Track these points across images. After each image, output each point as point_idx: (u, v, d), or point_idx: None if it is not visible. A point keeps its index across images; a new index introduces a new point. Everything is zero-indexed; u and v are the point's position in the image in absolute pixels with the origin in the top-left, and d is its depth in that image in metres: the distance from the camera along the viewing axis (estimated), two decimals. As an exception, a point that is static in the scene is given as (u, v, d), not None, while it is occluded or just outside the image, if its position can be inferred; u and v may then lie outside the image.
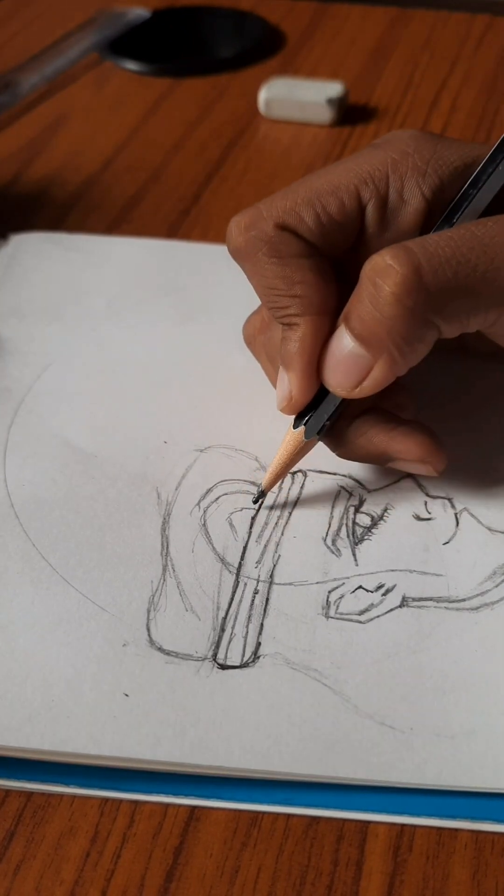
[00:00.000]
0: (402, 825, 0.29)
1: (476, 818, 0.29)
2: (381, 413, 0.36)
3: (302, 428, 0.36)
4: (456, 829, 0.29)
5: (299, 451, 0.36)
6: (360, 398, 0.34)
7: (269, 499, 0.38)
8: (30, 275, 0.49)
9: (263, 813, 0.29)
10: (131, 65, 0.69)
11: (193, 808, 0.30)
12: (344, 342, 0.34)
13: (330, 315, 0.35)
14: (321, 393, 0.35)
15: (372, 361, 0.33)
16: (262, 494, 0.37)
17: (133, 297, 0.47)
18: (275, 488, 0.38)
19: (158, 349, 0.45)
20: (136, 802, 0.30)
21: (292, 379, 0.35)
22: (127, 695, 0.31)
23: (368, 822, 0.29)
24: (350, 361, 0.34)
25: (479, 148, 0.36)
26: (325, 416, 0.35)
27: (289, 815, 0.29)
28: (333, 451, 0.37)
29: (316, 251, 0.35)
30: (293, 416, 0.36)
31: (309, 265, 0.34)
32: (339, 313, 0.34)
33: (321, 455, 0.38)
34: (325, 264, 0.35)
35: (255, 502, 0.37)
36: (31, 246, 0.51)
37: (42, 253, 0.50)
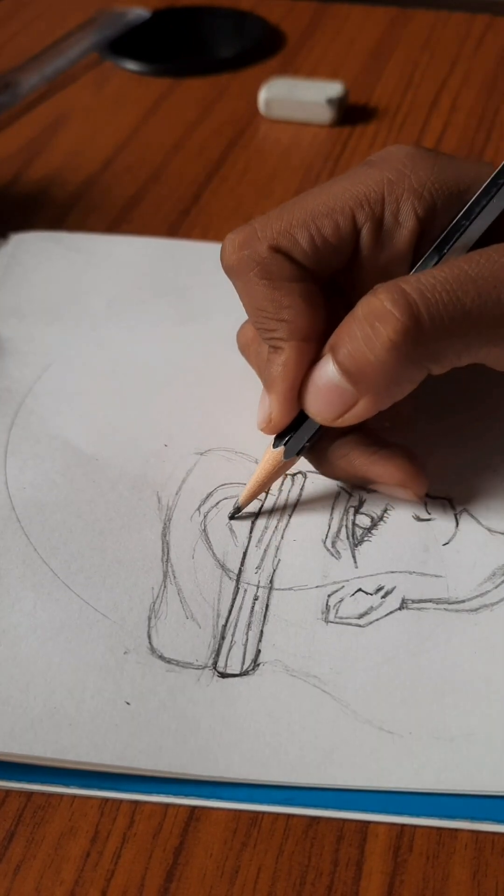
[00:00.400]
0: (402, 825, 0.29)
1: (476, 818, 0.29)
2: (363, 435, 0.36)
3: (281, 448, 0.36)
4: (456, 830, 0.29)
5: (277, 470, 0.36)
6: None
7: (270, 501, 0.38)
8: (30, 274, 0.49)
9: (263, 813, 0.29)
10: (131, 65, 0.69)
11: (193, 808, 0.30)
12: (329, 373, 0.34)
13: (316, 342, 0.35)
14: (302, 415, 0.36)
15: (357, 397, 0.33)
16: (237, 510, 0.37)
17: (133, 297, 0.47)
18: (274, 489, 0.38)
19: (159, 349, 0.45)
20: (136, 802, 0.30)
21: (273, 402, 0.35)
22: (128, 703, 0.31)
23: (368, 822, 0.29)
24: (334, 393, 0.34)
25: (475, 166, 0.36)
26: (305, 439, 0.36)
27: (289, 815, 0.29)
28: (316, 469, 0.38)
29: (307, 275, 0.35)
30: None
31: (299, 290, 0.34)
32: (325, 340, 0.34)
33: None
34: (314, 289, 0.35)
35: (231, 518, 0.37)
36: (31, 245, 0.51)
37: (42, 252, 0.50)
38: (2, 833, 0.29)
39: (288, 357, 0.35)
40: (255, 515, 0.37)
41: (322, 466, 0.37)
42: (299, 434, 0.36)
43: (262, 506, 0.37)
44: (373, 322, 0.32)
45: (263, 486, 0.37)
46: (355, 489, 0.38)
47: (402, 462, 0.36)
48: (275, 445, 0.36)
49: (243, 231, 0.35)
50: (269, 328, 0.35)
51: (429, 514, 0.37)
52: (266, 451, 0.36)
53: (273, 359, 0.35)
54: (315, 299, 0.35)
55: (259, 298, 0.35)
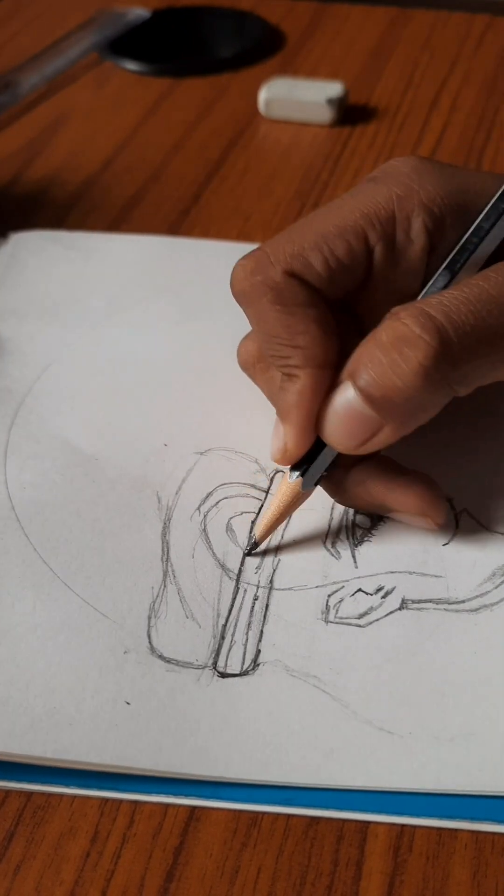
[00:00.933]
0: (402, 825, 0.29)
1: (476, 818, 0.29)
2: (380, 461, 0.35)
3: (298, 479, 0.35)
4: (456, 830, 0.29)
5: (295, 502, 0.35)
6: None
7: (270, 501, 0.38)
8: (30, 274, 0.49)
9: (263, 813, 0.29)
10: (131, 65, 0.69)
11: (193, 808, 0.30)
12: (351, 400, 0.33)
13: (331, 368, 0.34)
14: (318, 443, 0.35)
15: (381, 424, 0.32)
16: (254, 545, 0.36)
17: (133, 296, 0.47)
18: (274, 490, 0.38)
19: (159, 348, 0.45)
20: (136, 802, 0.30)
21: (288, 432, 0.34)
22: (128, 703, 0.31)
23: (368, 823, 0.29)
24: (356, 421, 0.33)
25: (479, 177, 0.36)
26: (323, 468, 0.35)
27: (289, 816, 0.29)
28: (332, 497, 0.37)
29: (321, 300, 0.34)
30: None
31: (313, 315, 0.34)
32: (340, 366, 0.34)
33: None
34: (328, 315, 0.34)
35: (247, 554, 0.36)
36: (31, 245, 0.51)
37: (42, 252, 0.50)
38: (2, 833, 0.29)
39: (304, 385, 0.34)
40: (255, 516, 0.37)
41: (338, 495, 0.36)
42: (317, 464, 0.35)
43: (262, 506, 0.37)
44: (401, 348, 0.31)
45: (281, 519, 0.36)
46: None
47: (421, 490, 0.35)
48: (291, 476, 0.35)
49: (254, 256, 0.34)
50: (284, 355, 0.34)
51: (429, 514, 0.37)
52: (281, 483, 0.35)
53: (287, 387, 0.34)
54: (329, 324, 0.34)
55: (273, 325, 0.34)
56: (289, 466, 0.35)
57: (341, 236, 0.34)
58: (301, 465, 0.35)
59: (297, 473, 0.35)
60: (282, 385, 0.34)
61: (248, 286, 0.34)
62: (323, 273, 0.34)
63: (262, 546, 0.36)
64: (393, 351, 0.31)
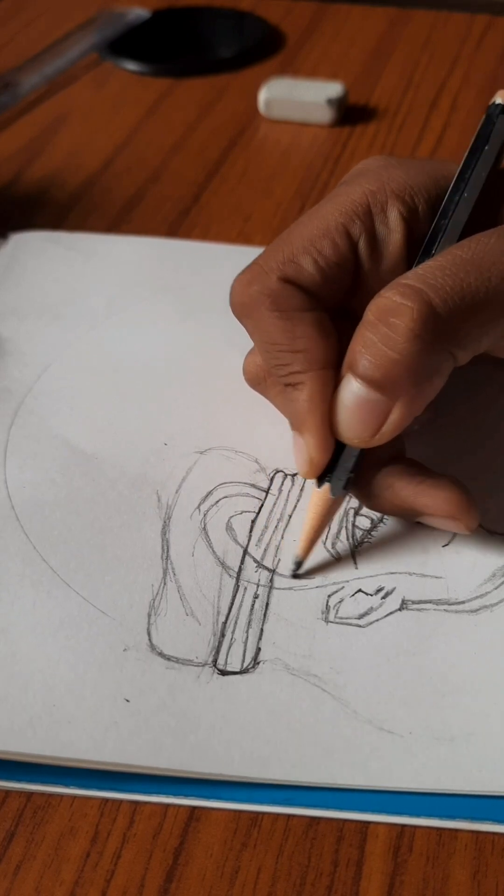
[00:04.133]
0: (402, 825, 0.29)
1: (476, 818, 0.29)
2: (408, 464, 0.35)
3: (326, 486, 0.34)
4: (456, 830, 0.29)
5: (329, 511, 0.35)
6: (381, 445, 0.34)
7: (270, 501, 0.38)
8: (30, 274, 0.49)
9: (263, 813, 0.29)
10: (131, 65, 0.69)
11: (193, 808, 0.30)
12: (355, 390, 0.33)
13: (333, 369, 0.34)
14: (338, 447, 0.34)
15: (389, 404, 0.32)
16: (298, 565, 0.35)
17: (133, 296, 0.47)
18: (274, 490, 0.38)
19: (158, 349, 0.45)
20: (136, 803, 0.30)
21: (309, 441, 0.34)
22: (128, 700, 0.31)
23: (368, 823, 0.29)
24: (365, 409, 0.33)
25: (444, 165, 0.37)
26: (348, 470, 0.34)
27: (289, 816, 0.29)
28: (364, 504, 0.36)
29: (317, 304, 0.34)
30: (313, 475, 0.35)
31: (310, 319, 0.34)
32: (339, 368, 0.34)
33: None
34: (325, 318, 0.35)
35: (293, 576, 0.35)
36: (31, 245, 0.51)
37: (42, 252, 0.50)
38: (2, 833, 0.29)
39: (311, 389, 0.34)
40: (255, 515, 0.37)
41: (368, 500, 0.36)
42: (341, 466, 0.34)
43: (262, 505, 0.37)
44: (387, 320, 0.31)
45: (319, 532, 0.35)
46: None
47: (450, 493, 0.34)
48: (319, 485, 0.35)
49: (249, 271, 0.35)
50: (285, 362, 0.34)
51: (429, 514, 0.37)
52: (312, 495, 0.35)
53: (296, 396, 0.34)
54: (327, 327, 0.34)
55: (272, 332, 0.34)
56: (308, 476, 0.35)
57: (326, 237, 0.35)
58: (326, 473, 0.34)
59: (324, 482, 0.34)
60: (289, 397, 0.34)
61: (247, 297, 0.35)
62: (316, 275, 0.34)
63: (306, 565, 0.35)
64: (380, 325, 0.32)
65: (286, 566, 0.35)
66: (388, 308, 0.32)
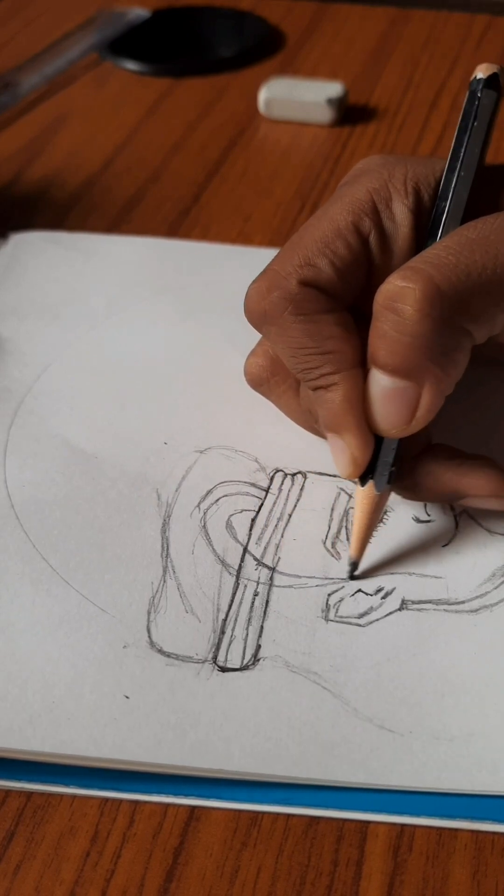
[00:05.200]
0: (402, 825, 0.29)
1: (476, 818, 0.29)
2: (442, 449, 0.36)
3: (370, 483, 0.34)
4: (456, 829, 0.29)
5: (377, 508, 0.35)
6: (417, 433, 0.34)
7: (269, 500, 0.38)
8: (30, 274, 0.49)
9: (263, 813, 0.29)
10: (131, 65, 0.69)
11: (193, 808, 0.30)
12: (381, 382, 0.33)
13: (362, 367, 0.34)
14: (376, 443, 0.34)
15: (417, 389, 0.32)
16: (354, 566, 0.35)
17: (133, 297, 0.47)
18: (274, 490, 0.38)
19: (158, 349, 0.45)
20: (136, 802, 0.30)
21: (350, 440, 0.34)
22: (128, 697, 0.31)
23: (368, 822, 0.29)
24: (396, 399, 0.33)
25: (442, 161, 0.37)
26: (389, 464, 0.34)
27: (289, 815, 0.29)
28: (406, 498, 0.37)
29: (337, 304, 0.34)
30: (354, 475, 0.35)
31: (334, 320, 0.34)
32: (365, 366, 0.34)
33: (321, 457, 0.38)
34: (347, 317, 0.35)
35: (351, 577, 0.35)
36: (31, 245, 0.51)
37: (42, 252, 0.50)
38: (2, 833, 0.29)
39: (346, 388, 0.34)
40: (255, 514, 0.37)
41: (410, 492, 0.36)
42: (382, 461, 0.34)
43: (262, 504, 0.37)
44: (393, 305, 0.32)
45: (370, 531, 0.35)
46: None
47: (491, 472, 0.35)
48: (362, 484, 0.35)
49: (265, 277, 0.35)
50: (314, 365, 0.34)
51: (428, 515, 0.37)
52: (356, 494, 0.35)
53: (330, 397, 0.34)
54: (351, 326, 0.35)
55: (298, 337, 0.34)
56: (351, 476, 0.35)
57: (339, 237, 0.35)
58: (367, 471, 0.35)
59: (367, 480, 0.34)
60: (322, 399, 0.34)
61: (268, 305, 0.34)
62: (333, 276, 0.34)
63: (362, 567, 0.35)
64: (389, 312, 0.32)
65: (289, 565, 0.35)
66: (393, 293, 0.32)
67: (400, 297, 0.32)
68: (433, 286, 0.31)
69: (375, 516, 0.35)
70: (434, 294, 0.31)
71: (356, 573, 0.35)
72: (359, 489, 0.35)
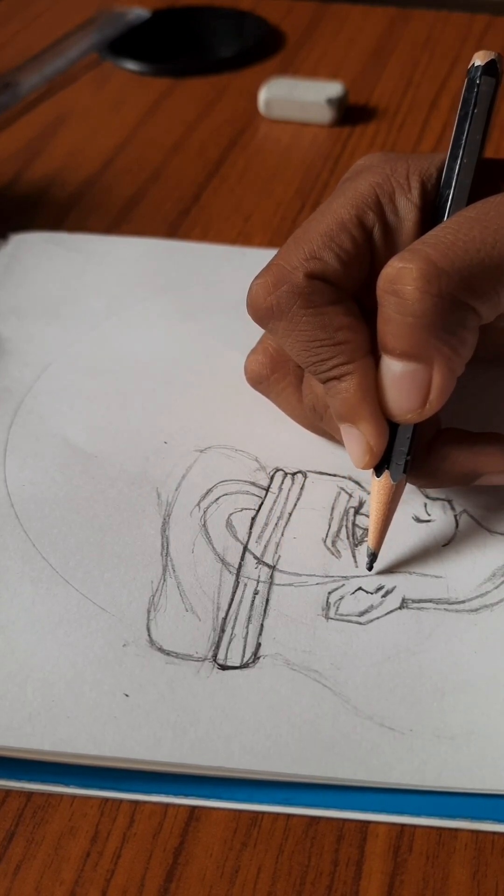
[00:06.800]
0: (402, 825, 0.29)
1: (476, 818, 0.29)
2: (455, 432, 0.36)
3: (386, 473, 0.34)
4: (456, 829, 0.29)
5: (394, 498, 0.35)
6: (430, 417, 0.34)
7: (270, 499, 0.38)
8: (30, 275, 0.49)
9: (263, 813, 0.29)
10: (131, 65, 0.69)
11: (193, 808, 0.30)
12: (391, 367, 0.33)
13: (374, 356, 0.34)
14: (390, 432, 0.34)
15: (428, 370, 0.32)
16: (373, 556, 0.35)
17: (133, 297, 0.47)
18: (274, 489, 0.38)
19: (158, 349, 0.45)
20: (136, 802, 0.30)
21: (366, 429, 0.34)
22: (127, 695, 0.31)
23: (368, 822, 0.29)
24: (407, 383, 0.33)
25: (441, 154, 0.37)
26: (404, 453, 0.34)
27: (289, 815, 0.29)
28: (422, 486, 0.37)
29: (344, 295, 0.34)
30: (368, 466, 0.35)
31: (343, 310, 0.34)
32: (375, 353, 0.34)
33: (321, 456, 0.38)
34: (355, 307, 0.35)
35: (369, 568, 0.35)
36: (31, 246, 0.51)
37: (42, 253, 0.50)
38: (2, 833, 0.29)
39: (360, 377, 0.34)
40: (255, 512, 0.37)
41: (426, 479, 0.36)
42: (397, 450, 0.34)
43: (262, 503, 0.37)
44: (394, 288, 0.32)
45: (387, 521, 0.35)
46: (355, 490, 0.38)
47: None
48: (378, 474, 0.35)
49: (270, 272, 0.34)
50: (326, 357, 0.34)
51: (429, 515, 0.37)
52: (373, 485, 0.35)
53: (343, 388, 0.34)
54: (359, 315, 0.35)
55: (310, 329, 0.34)
56: (367, 466, 0.35)
57: (343, 230, 0.35)
58: (381, 462, 0.34)
59: (383, 470, 0.34)
60: (335, 389, 0.34)
61: (275, 300, 0.34)
62: (339, 268, 0.34)
63: (380, 564, 0.35)
64: (390, 295, 0.32)
65: (289, 563, 0.35)
66: (392, 276, 0.32)
67: (399, 278, 0.32)
68: (430, 263, 0.31)
69: (393, 507, 0.35)
70: (432, 271, 0.31)
71: (373, 565, 0.35)
72: (375, 480, 0.35)
